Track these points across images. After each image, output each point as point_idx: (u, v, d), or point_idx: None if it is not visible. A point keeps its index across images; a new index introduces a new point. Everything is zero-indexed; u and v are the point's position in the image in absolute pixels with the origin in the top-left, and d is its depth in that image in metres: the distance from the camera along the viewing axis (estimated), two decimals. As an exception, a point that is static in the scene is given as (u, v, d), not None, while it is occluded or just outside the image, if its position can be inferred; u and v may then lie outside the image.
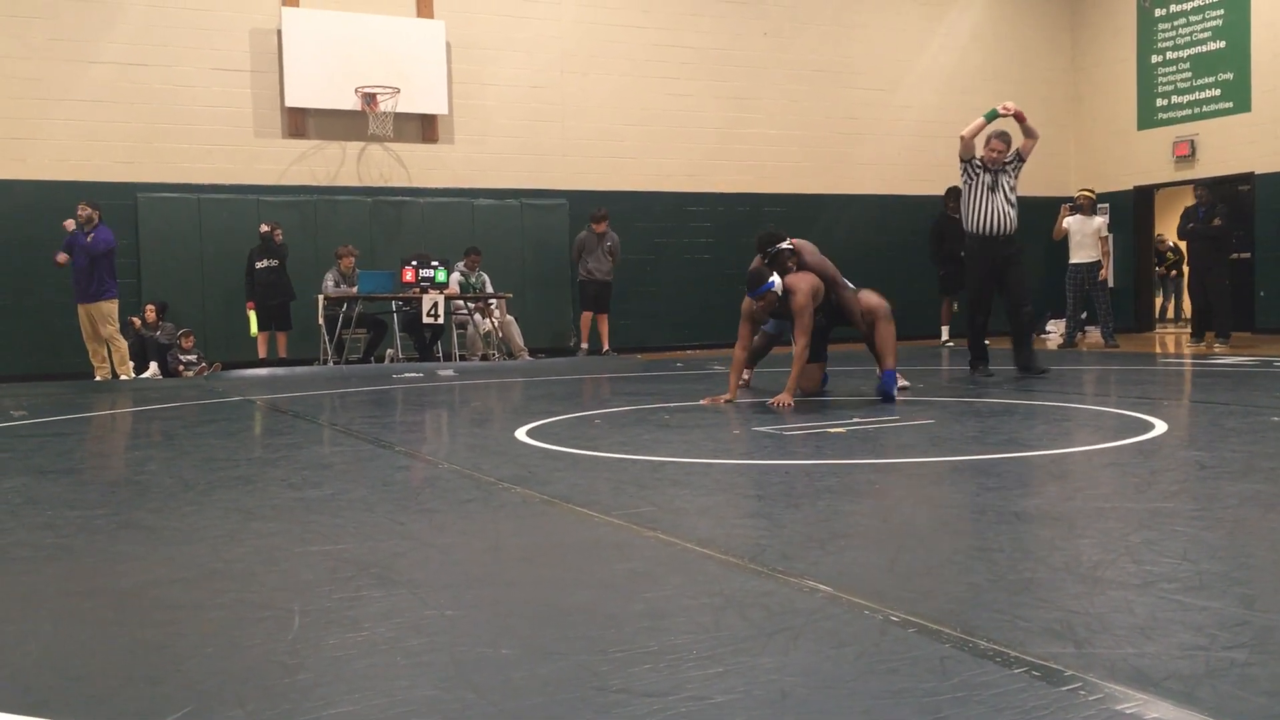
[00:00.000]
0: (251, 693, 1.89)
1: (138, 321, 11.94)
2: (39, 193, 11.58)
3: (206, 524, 3.42)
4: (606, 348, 13.27)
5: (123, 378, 10.82)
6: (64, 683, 1.98)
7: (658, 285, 14.49)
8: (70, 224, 10.69)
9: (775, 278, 6.69)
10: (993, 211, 8.22)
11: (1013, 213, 8.25)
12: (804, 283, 6.70)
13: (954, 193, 14.33)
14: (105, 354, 10.99)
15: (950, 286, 13.79)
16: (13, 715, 1.80)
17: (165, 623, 2.37)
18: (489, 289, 12.78)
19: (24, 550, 3.12)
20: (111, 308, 10.94)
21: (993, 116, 8.16)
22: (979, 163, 8.29)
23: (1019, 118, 8.14)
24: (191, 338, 12.06)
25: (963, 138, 8.32)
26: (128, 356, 11.02)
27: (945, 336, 14.09)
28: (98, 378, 10.92)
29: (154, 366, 11.77)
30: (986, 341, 8.55)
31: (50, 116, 11.98)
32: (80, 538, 3.27)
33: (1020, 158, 8.28)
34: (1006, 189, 8.21)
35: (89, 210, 10.77)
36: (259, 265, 11.97)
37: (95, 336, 10.93)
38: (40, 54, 11.93)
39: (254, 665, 2.04)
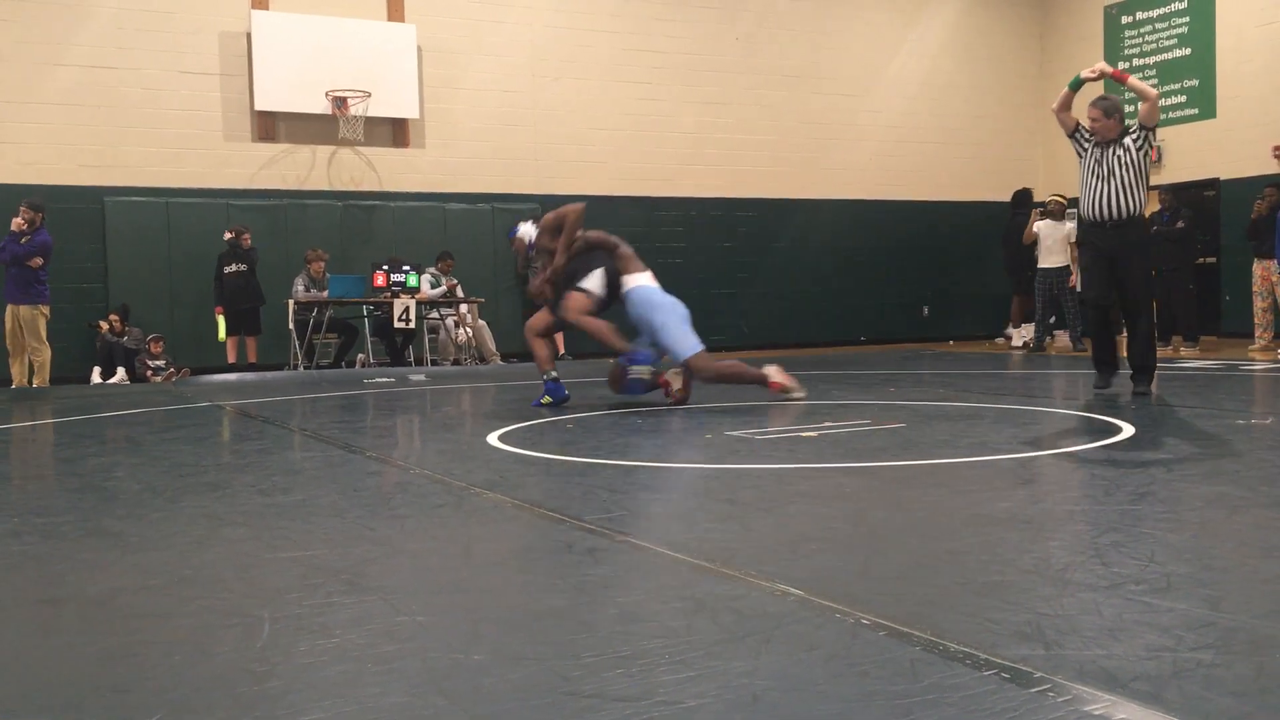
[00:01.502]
0: (220, 700, 1.87)
1: (104, 326, 11.82)
2: (5, 196, 11.42)
3: (175, 530, 3.39)
4: (562, 351, 13.29)
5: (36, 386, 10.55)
6: (30, 691, 1.96)
7: (630, 290, 14.49)
8: (20, 223, 10.44)
9: (524, 226, 6.88)
10: (1099, 191, 6.86)
11: (1124, 195, 6.80)
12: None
13: (1021, 196, 14.26)
14: (25, 359, 10.59)
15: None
16: (-23, 725, 1.78)
17: (133, 630, 2.35)
18: (460, 293, 12.75)
19: (-11, 558, 3.08)
20: (36, 313, 10.50)
21: (1077, 84, 7.01)
22: (1086, 134, 7.03)
23: (1119, 78, 6.97)
24: (160, 343, 11.95)
25: (1054, 111, 7.24)
26: (48, 367, 10.60)
27: (1017, 341, 13.88)
28: (15, 384, 10.56)
29: (121, 372, 11.66)
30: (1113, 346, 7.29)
31: (16, 120, 11.85)
32: (47, 545, 3.24)
33: (1143, 127, 6.86)
34: (1119, 165, 6.83)
35: (31, 213, 10.50)
36: (227, 270, 11.88)
37: (18, 341, 10.55)
38: (5, 57, 11.80)
39: (223, 673, 2.02)
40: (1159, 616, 2.21)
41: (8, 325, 10.56)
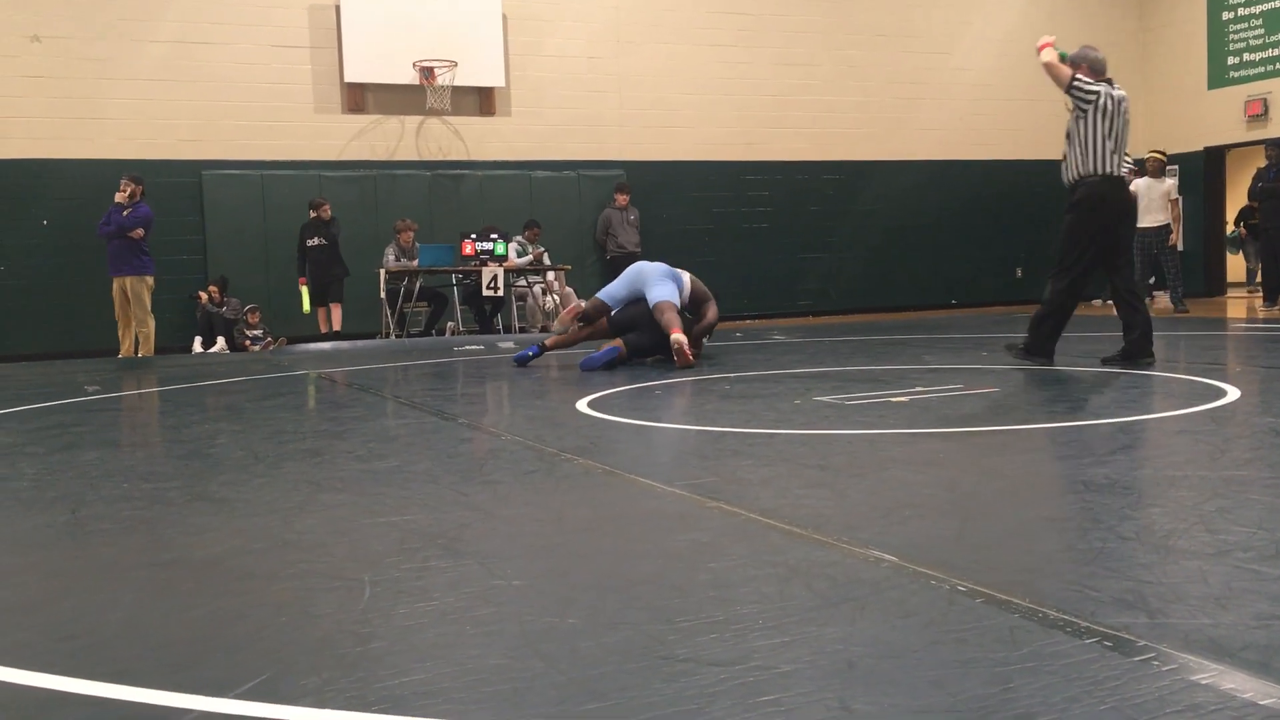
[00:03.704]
0: (326, 661, 1.93)
1: (204, 297, 12.15)
2: (107, 171, 11.75)
3: (277, 496, 3.48)
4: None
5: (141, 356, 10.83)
6: (145, 651, 2.04)
7: (715, 255, 14.43)
8: (123, 196, 10.74)
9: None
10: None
11: (1069, 157, 6.38)
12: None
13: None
14: (133, 330, 10.92)
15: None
16: (96, 683, 1.86)
17: (240, 593, 2.42)
18: (546, 261, 12.82)
19: (103, 523, 3.20)
20: (141, 285, 10.82)
21: (1062, 56, 6.43)
22: None
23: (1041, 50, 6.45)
24: (258, 313, 12.25)
25: None
26: (153, 337, 10.90)
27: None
28: (121, 354, 10.91)
29: (221, 341, 11.99)
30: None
31: (116, 95, 12.18)
32: (156, 509, 3.35)
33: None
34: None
35: (132, 186, 10.76)
36: (309, 243, 12.09)
37: (126, 312, 10.88)
38: (104, 34, 12.12)
39: (327, 634, 2.08)
40: (1268, 584, 2.15)
41: (115, 297, 10.89)
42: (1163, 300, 13.51)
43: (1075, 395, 5.30)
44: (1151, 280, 13.25)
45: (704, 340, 7.91)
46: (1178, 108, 16.29)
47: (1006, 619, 1.99)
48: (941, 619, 2.01)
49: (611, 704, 1.69)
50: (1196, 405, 4.74)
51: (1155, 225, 12.74)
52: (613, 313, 7.64)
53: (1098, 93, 6.21)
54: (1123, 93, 6.38)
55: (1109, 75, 6.42)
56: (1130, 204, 6.56)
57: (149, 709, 1.75)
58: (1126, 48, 16.54)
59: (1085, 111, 6.24)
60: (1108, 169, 6.23)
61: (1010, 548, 2.55)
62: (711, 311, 7.76)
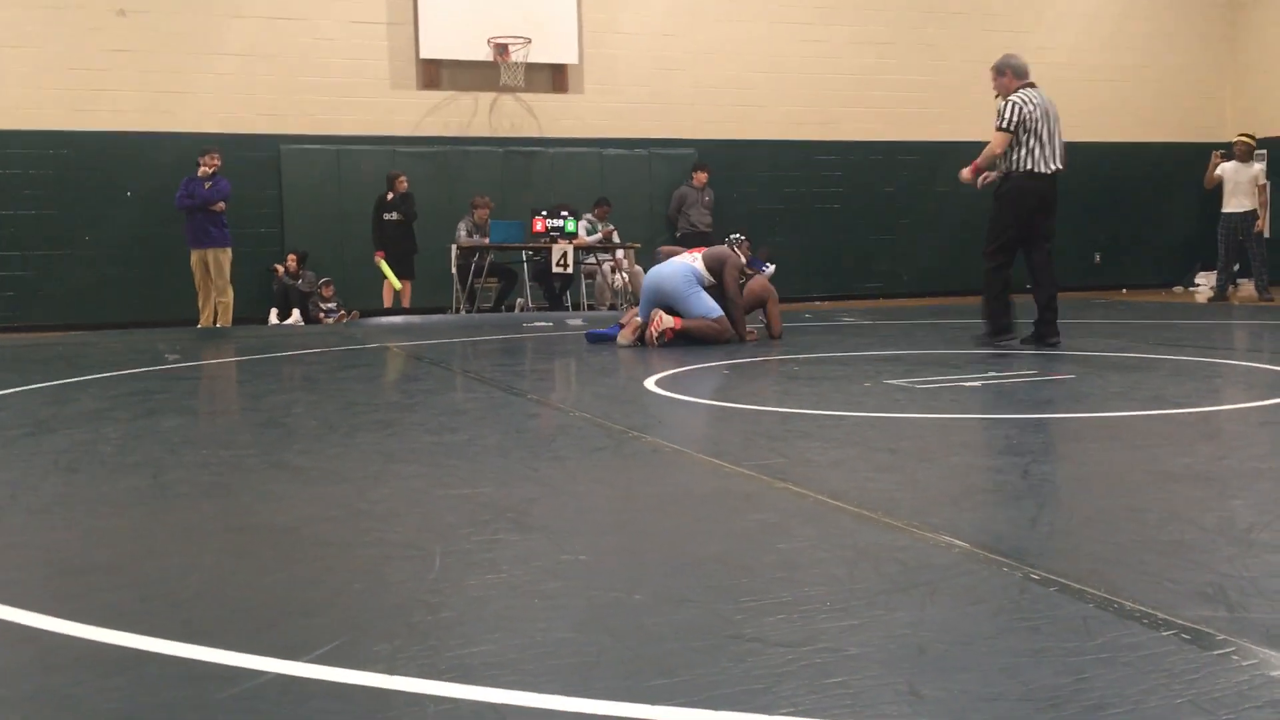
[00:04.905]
0: (398, 628, 1.96)
1: (281, 270, 12.35)
2: (188, 145, 11.95)
3: (351, 465, 3.54)
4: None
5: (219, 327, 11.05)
6: (224, 614, 2.09)
7: (785, 235, 14.32)
8: (207, 170, 10.97)
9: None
10: None
11: (1005, 154, 7.03)
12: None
13: None
14: (213, 301, 11.16)
15: None
16: (176, 643, 1.91)
17: (316, 559, 2.47)
18: (615, 239, 12.82)
19: (184, 487, 3.29)
20: (223, 256, 11.08)
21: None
22: None
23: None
24: (331, 287, 12.42)
25: None
26: (231, 308, 11.13)
27: None
28: (200, 324, 11.14)
29: (296, 313, 12.19)
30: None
31: (197, 71, 12.37)
32: (234, 476, 3.43)
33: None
34: None
35: (217, 160, 11.02)
36: (386, 217, 12.20)
37: (206, 283, 11.12)
38: (187, 9, 12.32)
39: (400, 602, 2.12)
40: (1355, 582, 2.09)
41: (195, 269, 11.14)
42: (1247, 288, 13.15)
43: (1154, 383, 5.19)
44: (1236, 267, 12.89)
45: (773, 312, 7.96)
46: (1268, 89, 15.77)
47: (1080, 609, 1.96)
48: (1013, 606, 1.99)
49: (679, 681, 1.69)
50: (1281, 396, 4.62)
51: (1241, 210, 12.38)
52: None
53: (1017, 107, 6.92)
54: (1045, 97, 7.08)
55: (1031, 79, 7.15)
56: (1050, 196, 7.08)
57: (227, 669, 1.79)
58: (1215, 25, 16.06)
59: (1018, 124, 6.94)
60: (1028, 166, 6.92)
61: (1085, 537, 2.51)
62: (729, 283, 7.72)
